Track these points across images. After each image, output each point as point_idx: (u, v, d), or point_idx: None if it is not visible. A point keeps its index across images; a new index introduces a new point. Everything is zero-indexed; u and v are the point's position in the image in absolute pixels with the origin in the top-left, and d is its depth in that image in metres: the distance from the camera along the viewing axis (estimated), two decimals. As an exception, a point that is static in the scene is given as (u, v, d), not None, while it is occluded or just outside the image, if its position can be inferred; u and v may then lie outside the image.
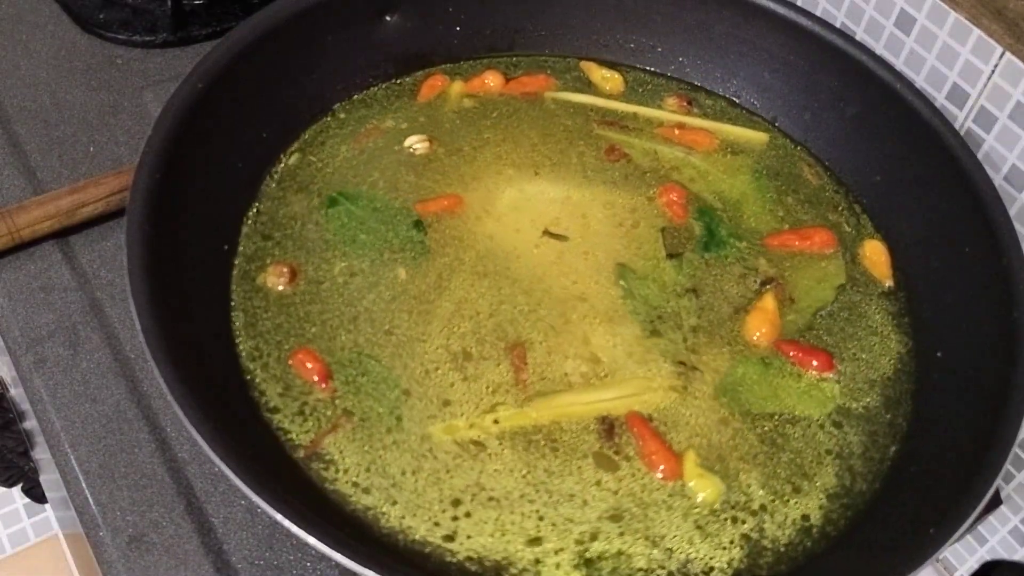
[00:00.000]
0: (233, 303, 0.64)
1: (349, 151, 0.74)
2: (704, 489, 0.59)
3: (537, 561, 0.55)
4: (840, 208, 0.75)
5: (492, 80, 0.80)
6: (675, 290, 0.68)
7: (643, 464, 0.60)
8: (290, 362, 0.62)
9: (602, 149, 0.77)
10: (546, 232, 0.70)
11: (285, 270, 0.65)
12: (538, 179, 0.74)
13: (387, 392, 0.61)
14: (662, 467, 0.60)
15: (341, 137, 0.75)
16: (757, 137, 0.80)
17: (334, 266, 0.67)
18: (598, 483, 0.59)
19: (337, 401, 0.61)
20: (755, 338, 0.66)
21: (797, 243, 0.72)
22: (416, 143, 0.75)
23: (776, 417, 0.63)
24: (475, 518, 0.57)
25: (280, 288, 0.65)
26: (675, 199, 0.74)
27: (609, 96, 0.81)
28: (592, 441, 0.60)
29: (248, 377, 0.61)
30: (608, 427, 0.61)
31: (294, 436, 0.59)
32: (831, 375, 0.65)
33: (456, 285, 0.67)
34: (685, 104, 0.81)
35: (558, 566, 0.55)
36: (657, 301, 0.67)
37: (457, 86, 0.80)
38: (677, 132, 0.79)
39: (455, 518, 0.57)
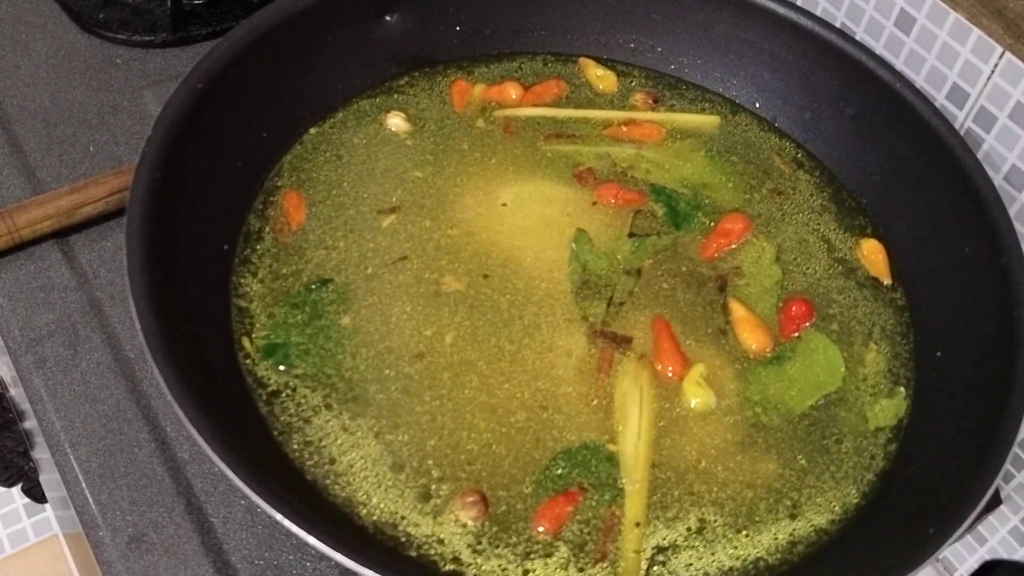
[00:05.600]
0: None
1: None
2: (696, 396, 0.62)
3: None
4: (794, 165, 0.77)
5: (513, 91, 0.79)
6: (622, 266, 0.69)
7: (655, 361, 0.64)
8: (540, 528, 0.56)
9: (569, 169, 0.75)
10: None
11: (472, 498, 0.57)
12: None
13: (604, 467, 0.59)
14: (671, 368, 0.63)
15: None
16: (708, 121, 0.80)
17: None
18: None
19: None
20: (754, 348, 0.66)
21: (725, 241, 0.71)
22: (393, 121, 0.76)
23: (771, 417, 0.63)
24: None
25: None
26: (614, 191, 0.73)
27: (602, 95, 0.81)
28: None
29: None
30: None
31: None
32: (813, 323, 0.67)
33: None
34: (651, 101, 0.80)
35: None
36: (599, 270, 0.68)
37: (479, 89, 0.79)
38: (625, 129, 0.78)
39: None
